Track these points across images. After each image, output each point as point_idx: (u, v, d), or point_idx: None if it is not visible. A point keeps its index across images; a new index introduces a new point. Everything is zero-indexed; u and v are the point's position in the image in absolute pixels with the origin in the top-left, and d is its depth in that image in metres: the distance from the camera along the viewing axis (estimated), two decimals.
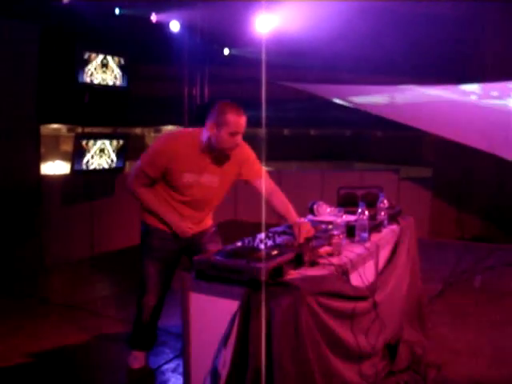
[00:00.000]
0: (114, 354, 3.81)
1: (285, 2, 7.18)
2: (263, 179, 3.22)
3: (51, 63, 6.10)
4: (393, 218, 3.79)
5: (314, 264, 2.68)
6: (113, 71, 6.57)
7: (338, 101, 8.76)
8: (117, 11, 6.69)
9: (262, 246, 2.62)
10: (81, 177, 6.56)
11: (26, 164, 5.84)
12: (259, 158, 3.34)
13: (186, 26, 7.46)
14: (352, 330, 2.76)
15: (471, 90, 6.34)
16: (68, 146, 10.12)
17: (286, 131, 10.68)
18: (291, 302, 2.30)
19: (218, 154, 3.07)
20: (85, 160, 6.38)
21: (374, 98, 8.20)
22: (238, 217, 8.93)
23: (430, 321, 4.02)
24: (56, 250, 6.40)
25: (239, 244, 2.74)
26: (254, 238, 2.79)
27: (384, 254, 3.46)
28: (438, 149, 9.21)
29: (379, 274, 3.30)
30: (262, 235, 2.88)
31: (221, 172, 3.14)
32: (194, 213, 3.20)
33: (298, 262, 2.60)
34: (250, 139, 3.33)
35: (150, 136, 11.26)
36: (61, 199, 6.54)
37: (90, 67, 6.26)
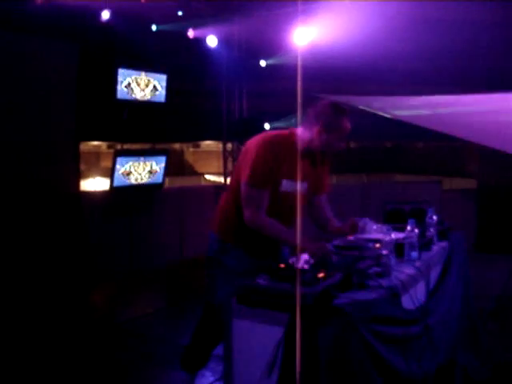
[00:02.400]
0: (147, 372, 3.73)
1: (321, 14, 7.08)
2: (325, 197, 3.10)
3: (90, 80, 6.15)
4: (442, 235, 3.60)
5: (362, 286, 2.52)
6: (151, 87, 6.58)
7: (378, 112, 8.55)
8: (154, 28, 6.71)
9: (306, 268, 2.49)
10: (120, 193, 6.57)
11: (65, 180, 5.87)
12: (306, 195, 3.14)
13: (223, 41, 7.43)
14: (404, 355, 2.59)
15: None
16: (108, 163, 10.24)
17: None
18: (341, 329, 2.16)
19: (312, 159, 2.92)
20: (124, 176, 6.39)
21: (416, 108, 7.96)
22: None
23: (486, 343, 3.79)
24: (97, 266, 6.40)
25: (282, 266, 2.62)
26: (298, 258, 2.66)
27: (435, 274, 3.28)
28: (482, 159, 8.92)
29: (430, 295, 3.12)
30: (306, 256, 2.74)
31: (310, 178, 2.96)
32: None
33: (346, 285, 2.46)
34: None
35: (189, 151, 11.30)
36: (101, 215, 6.56)
37: (129, 83, 6.28)
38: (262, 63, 8.06)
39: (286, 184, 2.83)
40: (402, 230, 3.14)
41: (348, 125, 2.84)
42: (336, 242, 3.09)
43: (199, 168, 11.20)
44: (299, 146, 2.82)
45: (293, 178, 2.83)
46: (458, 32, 6.82)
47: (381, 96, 7.60)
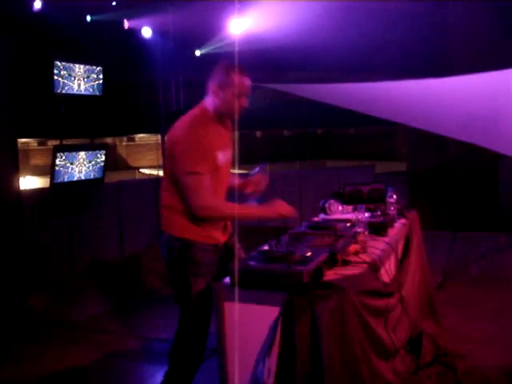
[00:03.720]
0: (122, 369, 3.67)
1: (256, 3, 7.14)
2: None
3: (25, 74, 5.89)
4: (400, 213, 3.79)
5: (345, 263, 2.63)
6: (87, 80, 6.37)
7: (310, 99, 8.73)
8: (88, 18, 6.51)
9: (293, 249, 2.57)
10: (60, 190, 6.34)
11: (4, 180, 5.60)
12: (233, 161, 3.18)
13: (158, 31, 7.32)
14: (386, 326, 2.73)
15: (448, 82, 6.40)
16: (39, 160, 9.85)
17: (258, 133, 10.67)
18: (337, 303, 2.24)
19: (225, 123, 2.92)
20: (64, 172, 6.18)
21: (348, 94, 8.21)
22: None
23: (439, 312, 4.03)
24: (39, 268, 6.17)
25: (267, 248, 2.67)
26: (280, 241, 2.72)
27: (400, 249, 3.45)
28: (410, 143, 9.35)
29: (399, 268, 3.28)
30: (287, 238, 2.82)
31: (231, 143, 2.99)
32: None
33: (332, 262, 2.55)
34: None
35: (122, 145, 11.03)
36: (41, 214, 6.32)
37: (64, 76, 6.06)
38: (197, 53, 8.02)
39: (220, 156, 2.83)
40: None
41: (243, 80, 2.79)
42: (309, 224, 3.19)
43: (133, 162, 10.94)
44: (210, 114, 2.84)
45: (222, 149, 2.85)
46: (394, 20, 7.10)
47: (317, 83, 7.79)
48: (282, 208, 2.78)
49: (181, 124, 2.82)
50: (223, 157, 2.84)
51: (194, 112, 2.88)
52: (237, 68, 2.80)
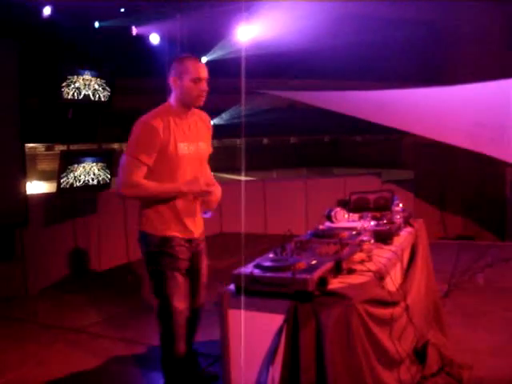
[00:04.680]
0: (127, 376, 3.67)
1: (264, 11, 7.18)
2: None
3: (33, 80, 5.92)
4: (406, 221, 3.77)
5: (351, 271, 2.62)
6: (95, 85, 6.41)
7: (317, 107, 8.76)
8: (96, 25, 6.56)
9: (298, 257, 2.56)
10: (66, 195, 6.36)
11: (11, 185, 5.64)
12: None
13: (166, 38, 7.37)
14: (391, 336, 2.71)
15: (456, 91, 6.40)
16: (46, 165, 9.89)
17: (265, 140, 10.67)
18: (342, 312, 2.23)
19: (193, 115, 3.05)
20: (72, 177, 6.20)
21: (355, 102, 8.23)
22: (224, 229, 8.79)
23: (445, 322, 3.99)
24: (42, 272, 6.17)
25: (272, 256, 2.67)
26: (285, 248, 2.72)
27: (405, 257, 3.43)
28: (418, 151, 9.34)
29: (405, 277, 3.26)
30: (292, 245, 2.81)
31: (203, 135, 3.10)
32: (188, 202, 3.01)
33: (337, 270, 2.54)
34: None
35: None
36: (47, 219, 6.34)
37: (73, 82, 6.09)
38: (204, 59, 8.06)
39: (182, 147, 2.95)
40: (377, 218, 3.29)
41: (197, 64, 2.97)
42: (315, 232, 3.19)
43: None
44: (172, 108, 2.98)
45: (185, 140, 2.97)
46: (401, 29, 7.12)
47: (324, 91, 7.80)
48: (195, 186, 2.94)
49: (141, 117, 2.96)
50: (186, 148, 2.97)
51: (156, 108, 3.05)
52: (189, 56, 3.01)
